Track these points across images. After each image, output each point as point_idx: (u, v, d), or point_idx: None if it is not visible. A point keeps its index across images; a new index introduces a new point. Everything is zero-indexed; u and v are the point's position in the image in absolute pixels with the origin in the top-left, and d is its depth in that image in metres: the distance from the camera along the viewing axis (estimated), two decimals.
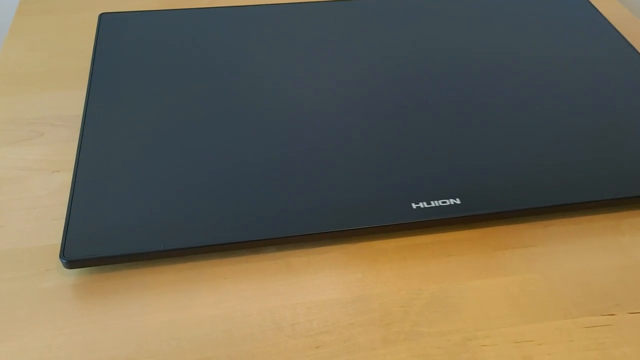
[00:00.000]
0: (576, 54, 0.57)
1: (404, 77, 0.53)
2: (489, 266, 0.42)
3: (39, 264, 0.41)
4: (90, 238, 0.40)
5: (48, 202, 0.45)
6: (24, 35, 0.60)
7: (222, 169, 0.45)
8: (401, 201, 0.43)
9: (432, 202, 0.43)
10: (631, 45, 0.58)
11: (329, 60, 0.55)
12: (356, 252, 0.43)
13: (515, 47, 0.57)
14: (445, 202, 0.43)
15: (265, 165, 0.45)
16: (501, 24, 0.60)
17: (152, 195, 0.43)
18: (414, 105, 0.51)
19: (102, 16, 0.58)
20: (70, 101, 0.53)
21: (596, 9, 0.64)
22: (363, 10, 0.60)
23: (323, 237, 0.42)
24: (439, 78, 0.54)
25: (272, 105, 0.50)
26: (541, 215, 0.45)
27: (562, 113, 0.51)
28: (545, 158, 0.47)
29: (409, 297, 0.40)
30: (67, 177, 0.47)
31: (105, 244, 0.40)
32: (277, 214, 0.42)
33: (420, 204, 0.43)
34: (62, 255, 0.39)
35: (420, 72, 0.54)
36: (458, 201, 0.43)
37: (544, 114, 0.50)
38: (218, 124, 0.48)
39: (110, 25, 0.57)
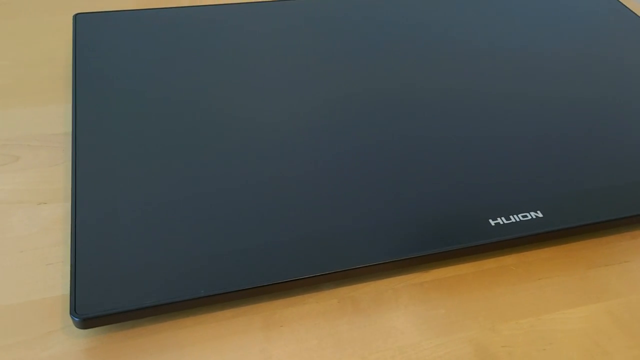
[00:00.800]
0: (613, 52, 0.52)
1: (462, 76, 0.47)
2: (587, 289, 0.36)
3: (39, 325, 0.32)
4: (106, 287, 0.31)
5: (38, 243, 0.36)
6: None
7: (260, 191, 0.37)
8: (477, 218, 0.37)
9: (511, 217, 0.37)
10: None
11: (355, 57, 0.47)
12: (431, 282, 0.35)
13: (558, 46, 0.52)
14: (525, 217, 0.37)
15: (311, 183, 0.38)
16: (530, 20, 0.55)
17: (176, 228, 0.34)
18: (475, 109, 0.44)
19: (77, 17, 0.49)
20: (48, 117, 0.44)
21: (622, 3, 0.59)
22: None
23: (390, 267, 0.35)
24: (499, 76, 0.47)
25: (308, 113, 0.42)
26: (627, 225, 0.39)
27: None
28: (624, 160, 0.41)
29: (508, 334, 0.33)
30: (57, 210, 0.38)
31: (127, 293, 0.31)
32: (334, 242, 0.34)
33: (499, 220, 0.36)
34: (74, 311, 0.30)
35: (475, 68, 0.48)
36: (540, 214, 0.37)
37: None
38: (236, 134, 0.40)
39: (87, 27, 0.48)
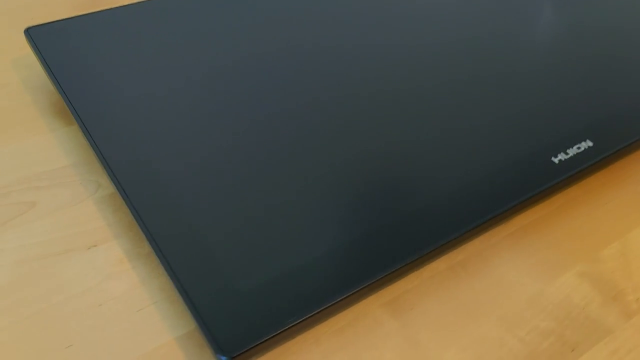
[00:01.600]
0: None
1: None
2: None
3: None
4: (239, 317, 0.28)
5: (112, 291, 0.31)
6: None
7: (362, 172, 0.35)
8: (541, 158, 0.37)
9: (568, 151, 0.38)
10: None
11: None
12: (517, 231, 0.36)
13: None
14: (579, 148, 0.38)
15: (407, 155, 0.36)
16: None
17: (277, 234, 0.31)
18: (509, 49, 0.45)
19: (30, 31, 0.42)
20: (39, 152, 0.38)
21: None
22: None
23: (481, 227, 0.34)
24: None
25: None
26: None
27: None
28: None
29: (610, 259, 0.35)
30: (113, 249, 0.33)
31: (264, 317, 0.28)
32: (436, 212, 0.34)
33: (560, 157, 0.38)
34: (221, 351, 0.27)
35: None
36: (590, 143, 0.39)
37: None
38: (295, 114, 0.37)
39: (48, 41, 0.42)
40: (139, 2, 0.46)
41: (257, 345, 0.27)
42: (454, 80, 0.42)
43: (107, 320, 0.30)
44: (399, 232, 0.32)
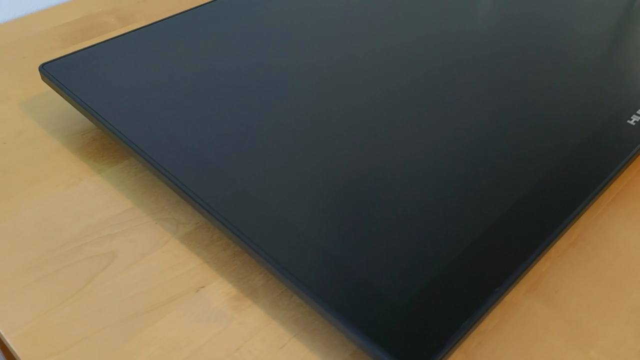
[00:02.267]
0: None
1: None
2: None
3: None
4: (410, 330, 0.26)
5: (242, 333, 0.28)
6: None
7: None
8: (617, 122, 0.37)
9: (638, 112, 0.38)
10: None
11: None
12: (624, 192, 0.35)
13: None
14: None
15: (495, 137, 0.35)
16: None
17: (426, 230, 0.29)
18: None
19: (45, 67, 0.38)
20: (97, 195, 0.33)
21: None
22: None
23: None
24: None
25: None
26: None
27: None
28: None
29: None
30: (224, 287, 0.29)
31: (438, 331, 0.26)
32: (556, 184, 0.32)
33: (634, 118, 0.38)
34: None
35: None
36: None
37: None
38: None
39: (70, 74, 0.38)
40: (148, 25, 0.43)
41: (443, 353, 0.25)
42: (530, 68, 0.41)
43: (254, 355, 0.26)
44: (526, 217, 0.31)
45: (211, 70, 0.38)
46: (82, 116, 0.38)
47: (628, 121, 0.37)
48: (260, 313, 0.28)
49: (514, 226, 0.30)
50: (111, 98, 0.35)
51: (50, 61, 0.38)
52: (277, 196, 0.30)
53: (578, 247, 0.32)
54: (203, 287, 0.29)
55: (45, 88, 0.41)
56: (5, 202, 0.32)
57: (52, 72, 0.38)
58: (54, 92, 0.40)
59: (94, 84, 0.37)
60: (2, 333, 0.26)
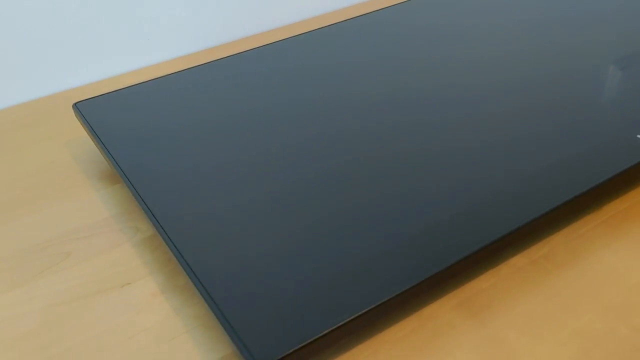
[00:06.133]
0: None
1: None
2: None
3: None
4: (274, 326, 0.24)
5: (143, 324, 0.28)
6: None
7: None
8: (625, 136, 0.32)
9: None
10: None
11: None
12: (617, 215, 0.30)
13: None
14: None
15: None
16: None
17: (309, 242, 0.28)
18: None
19: (78, 105, 0.43)
20: (82, 210, 0.36)
21: None
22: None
23: (562, 213, 0.29)
24: None
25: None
26: None
27: None
28: None
29: None
30: (147, 285, 0.30)
31: (302, 325, 0.24)
32: (512, 194, 0.29)
33: None
34: (251, 358, 0.22)
35: None
36: None
37: None
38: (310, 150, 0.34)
39: (94, 112, 0.42)
40: (177, 72, 0.47)
41: (293, 351, 0.23)
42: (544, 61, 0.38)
43: (136, 352, 0.26)
44: (464, 223, 0.28)
45: (222, 121, 0.39)
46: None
47: (638, 135, 0.32)
48: (167, 309, 0.28)
49: (443, 232, 0.27)
50: (126, 142, 0.38)
51: (83, 100, 0.44)
52: (205, 211, 0.30)
53: (538, 265, 0.28)
54: (129, 283, 0.30)
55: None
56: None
57: (81, 108, 0.43)
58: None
59: (109, 119, 0.41)
60: None
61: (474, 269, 0.27)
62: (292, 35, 0.49)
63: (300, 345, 0.23)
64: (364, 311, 0.24)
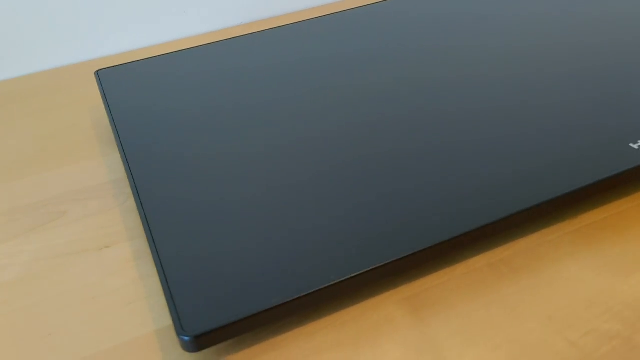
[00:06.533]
0: None
1: None
2: None
3: None
4: (212, 300, 0.25)
5: (109, 287, 0.29)
6: (7, 123, 0.45)
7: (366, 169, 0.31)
8: (618, 144, 0.31)
9: None
10: None
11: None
12: (589, 226, 0.29)
13: None
14: None
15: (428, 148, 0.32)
16: None
17: (267, 223, 0.28)
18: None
19: (99, 73, 0.45)
20: (86, 173, 0.38)
21: None
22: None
23: (534, 215, 0.28)
24: None
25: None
26: None
27: None
28: None
29: None
30: (124, 250, 0.32)
31: (238, 300, 0.25)
32: (469, 198, 0.28)
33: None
34: (182, 330, 0.23)
35: None
36: None
37: None
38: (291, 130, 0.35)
39: (112, 81, 0.44)
40: (201, 45, 0.48)
41: (224, 327, 0.24)
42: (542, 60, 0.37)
43: (95, 312, 0.28)
44: (421, 219, 0.27)
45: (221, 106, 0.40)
46: None
47: (631, 144, 0.31)
48: (134, 274, 0.30)
49: (396, 221, 0.27)
50: (132, 113, 0.40)
51: (105, 68, 0.46)
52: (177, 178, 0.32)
53: (494, 268, 0.28)
54: (108, 247, 0.32)
55: None
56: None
57: (102, 78, 0.45)
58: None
59: (127, 96, 0.42)
60: None
61: (427, 266, 0.27)
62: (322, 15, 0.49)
63: (230, 322, 0.24)
64: (299, 296, 0.24)
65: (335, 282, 0.25)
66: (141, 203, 0.31)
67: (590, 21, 0.43)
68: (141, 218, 0.30)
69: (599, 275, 0.26)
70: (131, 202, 0.35)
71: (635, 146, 0.31)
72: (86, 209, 0.35)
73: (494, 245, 0.28)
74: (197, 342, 0.23)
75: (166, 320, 0.27)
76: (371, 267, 0.25)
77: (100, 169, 0.39)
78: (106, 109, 0.40)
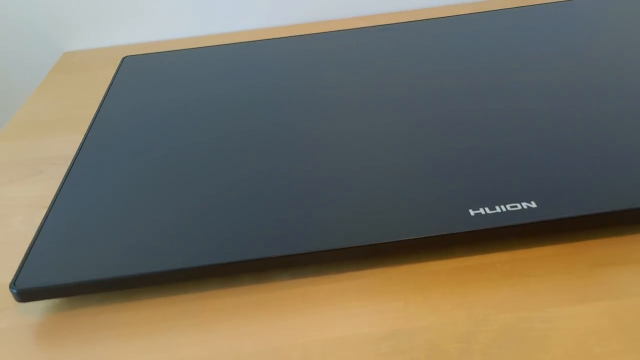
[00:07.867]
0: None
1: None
2: (587, 288, 0.30)
3: None
4: (51, 267, 0.32)
5: (10, 225, 0.38)
6: (53, 89, 0.56)
7: (218, 184, 0.36)
8: (455, 208, 0.32)
9: (497, 207, 0.32)
10: None
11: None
12: (398, 276, 0.32)
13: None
14: (515, 207, 0.32)
15: (278, 173, 0.36)
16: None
17: (130, 223, 0.35)
18: (461, 103, 0.41)
19: (124, 60, 0.54)
20: (72, 144, 0.47)
21: None
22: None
23: (353, 254, 0.31)
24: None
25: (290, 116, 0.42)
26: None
27: None
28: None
29: (469, 329, 0.28)
30: (41, 202, 0.40)
31: (68, 271, 0.31)
32: (291, 227, 0.32)
33: (481, 210, 0.32)
34: (13, 284, 0.31)
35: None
36: (533, 204, 0.32)
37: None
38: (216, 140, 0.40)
39: (129, 68, 0.52)
40: (230, 43, 0.54)
41: (49, 289, 0.30)
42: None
43: (4, 253, 0.36)
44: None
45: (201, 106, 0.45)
46: None
47: (470, 210, 0.33)
48: (33, 222, 0.38)
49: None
50: (125, 101, 0.47)
51: (132, 55, 0.54)
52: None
53: (285, 295, 0.32)
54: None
55: None
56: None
57: (123, 64, 0.53)
58: None
59: (131, 85, 0.49)
60: None
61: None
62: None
63: (49, 285, 0.31)
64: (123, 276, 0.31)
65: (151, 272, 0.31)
66: (68, 173, 0.38)
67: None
68: (60, 185, 0.37)
69: (369, 324, 0.29)
70: None
71: (473, 213, 0.32)
72: (57, 172, 0.43)
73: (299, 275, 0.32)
74: (21, 295, 0.31)
75: None
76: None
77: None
78: (104, 95, 0.48)
